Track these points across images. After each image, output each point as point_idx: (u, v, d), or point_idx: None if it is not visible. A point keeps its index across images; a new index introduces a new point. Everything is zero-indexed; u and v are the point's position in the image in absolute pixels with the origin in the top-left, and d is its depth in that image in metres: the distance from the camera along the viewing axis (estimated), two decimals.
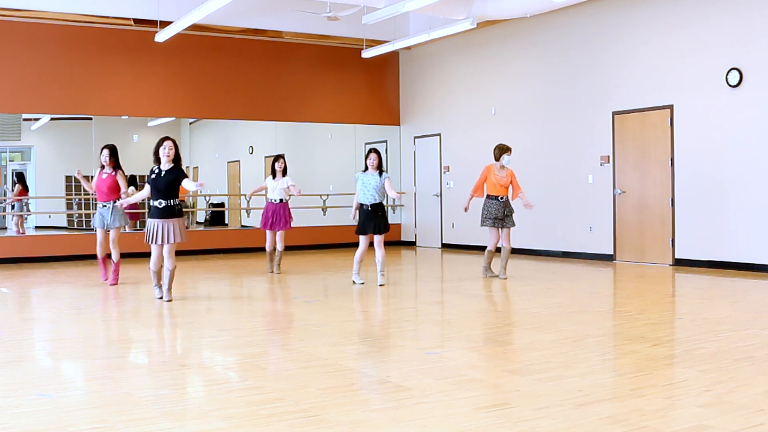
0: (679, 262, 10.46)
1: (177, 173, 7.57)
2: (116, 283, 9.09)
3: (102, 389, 4.31)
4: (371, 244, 8.85)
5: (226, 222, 16.92)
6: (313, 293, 8.61)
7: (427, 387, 4.19)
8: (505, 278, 9.34)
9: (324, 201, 14.64)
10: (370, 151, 8.92)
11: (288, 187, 10.27)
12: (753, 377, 4.34)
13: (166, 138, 7.70)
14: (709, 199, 10.09)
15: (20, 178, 14.49)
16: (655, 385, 4.24)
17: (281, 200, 10.29)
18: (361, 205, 8.75)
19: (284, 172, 10.38)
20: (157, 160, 7.63)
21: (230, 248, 13.96)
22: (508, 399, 3.95)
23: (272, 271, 10.42)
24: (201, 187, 8.14)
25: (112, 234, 9.04)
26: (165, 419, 3.63)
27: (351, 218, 9.08)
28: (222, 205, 17.13)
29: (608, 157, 11.40)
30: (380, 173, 8.78)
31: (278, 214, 10.24)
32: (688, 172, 10.35)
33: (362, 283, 8.88)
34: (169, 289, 7.70)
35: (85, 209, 15.48)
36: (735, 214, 9.81)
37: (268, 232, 10.37)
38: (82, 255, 12.65)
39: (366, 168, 8.85)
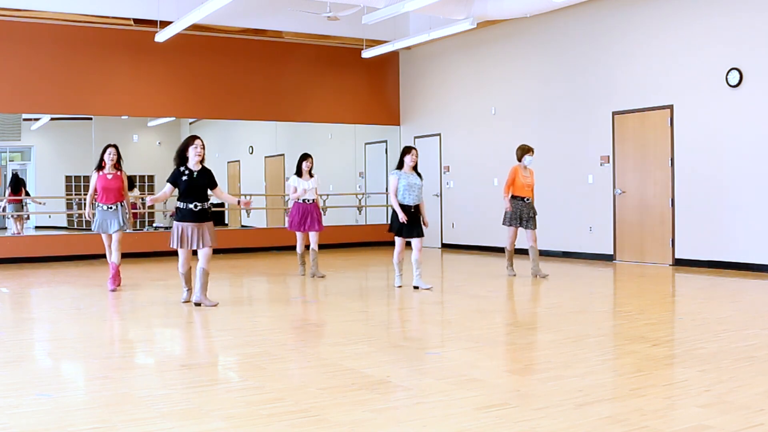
0: (679, 262, 10.46)
1: (210, 177, 7.31)
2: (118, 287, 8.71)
3: (102, 389, 4.31)
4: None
5: (226, 222, 16.92)
6: (313, 293, 8.61)
7: (427, 387, 4.19)
8: (546, 275, 9.36)
9: (324, 201, 14.63)
10: (410, 148, 8.37)
11: (315, 189, 9.83)
12: (753, 377, 4.34)
13: (196, 137, 7.32)
14: (709, 199, 10.09)
15: (13, 179, 14.47)
16: (655, 385, 4.24)
17: (312, 200, 9.77)
18: (402, 205, 8.24)
19: (311, 173, 9.84)
20: (182, 161, 7.23)
21: (230, 248, 13.95)
22: (508, 399, 3.94)
23: (304, 274, 9.96)
24: (246, 206, 7.71)
25: (119, 236, 8.61)
26: (165, 419, 3.63)
27: (403, 220, 8.23)
28: (222, 205, 17.12)
29: (608, 157, 11.40)
30: (418, 174, 8.38)
31: (310, 214, 9.72)
32: (688, 172, 10.35)
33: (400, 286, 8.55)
34: (204, 291, 7.30)
35: (85, 209, 15.47)
36: (735, 214, 9.81)
37: (299, 234, 9.88)
38: (82, 255, 12.64)
39: (401, 166, 8.29)
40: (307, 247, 9.99)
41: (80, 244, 12.98)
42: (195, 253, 7.40)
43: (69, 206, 15.69)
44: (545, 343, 5.38)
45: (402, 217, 8.17)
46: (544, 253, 12.45)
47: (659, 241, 10.72)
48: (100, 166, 8.68)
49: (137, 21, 12.20)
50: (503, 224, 9.50)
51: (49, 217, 15.66)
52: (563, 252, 12.19)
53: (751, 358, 4.81)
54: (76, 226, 15.78)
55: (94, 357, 5.25)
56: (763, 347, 5.16)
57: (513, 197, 9.36)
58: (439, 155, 14.78)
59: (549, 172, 12.35)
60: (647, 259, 10.89)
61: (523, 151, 9.44)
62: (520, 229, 9.44)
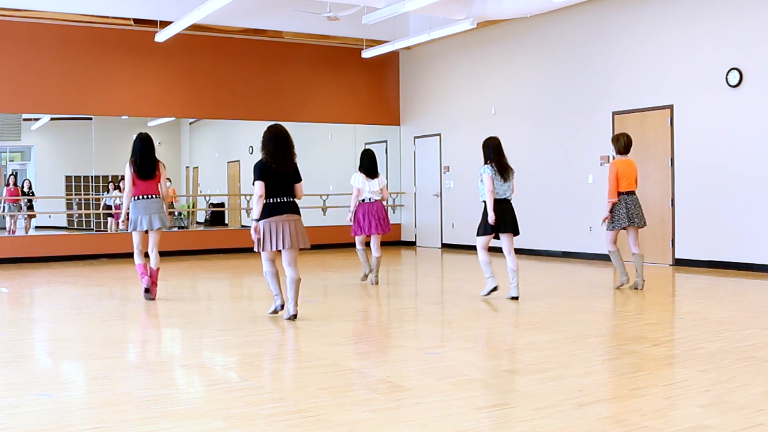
0: (679, 262, 10.46)
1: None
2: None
3: (102, 389, 4.31)
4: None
5: (226, 222, 16.92)
6: (313, 293, 8.61)
7: (427, 387, 4.19)
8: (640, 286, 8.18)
9: (324, 201, 14.64)
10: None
11: (381, 189, 8.83)
12: (753, 377, 4.34)
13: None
14: (709, 199, 10.09)
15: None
16: (655, 385, 4.24)
17: (376, 199, 8.81)
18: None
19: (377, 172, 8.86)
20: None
21: (230, 248, 13.95)
22: (508, 399, 3.94)
23: (369, 279, 8.99)
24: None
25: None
26: (165, 419, 3.63)
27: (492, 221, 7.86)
28: (222, 205, 17.13)
29: (608, 157, 11.39)
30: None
31: (378, 213, 8.73)
32: (688, 172, 10.35)
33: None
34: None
35: (85, 209, 15.48)
36: (735, 214, 9.81)
37: (361, 237, 8.83)
38: (82, 255, 12.64)
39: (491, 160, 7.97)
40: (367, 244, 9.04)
41: (80, 244, 12.98)
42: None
43: (69, 206, 15.69)
44: (545, 343, 5.38)
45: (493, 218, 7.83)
46: (544, 253, 12.45)
47: (659, 241, 10.71)
48: None
49: (137, 21, 12.20)
50: (609, 229, 8.15)
51: (49, 217, 15.65)
52: (563, 252, 12.18)
53: (751, 358, 4.81)
54: (76, 226, 15.77)
55: (94, 357, 5.25)
56: (763, 347, 5.16)
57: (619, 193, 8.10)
58: (439, 155, 14.78)
59: (549, 172, 12.36)
60: (647, 259, 10.87)
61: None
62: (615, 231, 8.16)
